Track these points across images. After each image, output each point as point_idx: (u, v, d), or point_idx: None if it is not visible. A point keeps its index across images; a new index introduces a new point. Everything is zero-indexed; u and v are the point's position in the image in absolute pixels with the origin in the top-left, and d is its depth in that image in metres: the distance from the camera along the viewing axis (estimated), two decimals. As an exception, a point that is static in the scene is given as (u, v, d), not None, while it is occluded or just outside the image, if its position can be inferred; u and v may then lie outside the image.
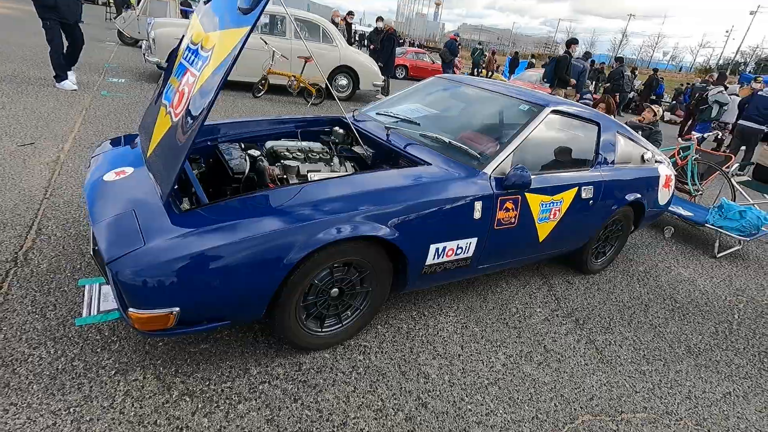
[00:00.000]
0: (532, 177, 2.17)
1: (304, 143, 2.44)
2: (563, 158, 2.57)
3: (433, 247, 1.97)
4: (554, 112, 2.45)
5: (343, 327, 1.95)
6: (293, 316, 1.74)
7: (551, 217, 2.42)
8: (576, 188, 2.50)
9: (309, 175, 2.13)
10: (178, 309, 1.44)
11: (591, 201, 2.61)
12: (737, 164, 4.67)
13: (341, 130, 2.67)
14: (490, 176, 2.13)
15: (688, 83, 20.38)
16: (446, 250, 2.03)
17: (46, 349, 1.67)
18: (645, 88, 15.28)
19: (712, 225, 3.81)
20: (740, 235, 3.68)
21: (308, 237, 1.59)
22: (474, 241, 2.12)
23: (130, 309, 1.40)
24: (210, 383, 1.66)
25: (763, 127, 6.87)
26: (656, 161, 3.20)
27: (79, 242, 2.38)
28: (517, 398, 1.85)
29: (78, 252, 2.30)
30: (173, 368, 1.69)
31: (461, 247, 2.09)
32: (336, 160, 2.35)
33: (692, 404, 2.01)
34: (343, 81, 8.51)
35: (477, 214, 2.06)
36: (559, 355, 2.18)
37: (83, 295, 2.00)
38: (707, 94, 8.92)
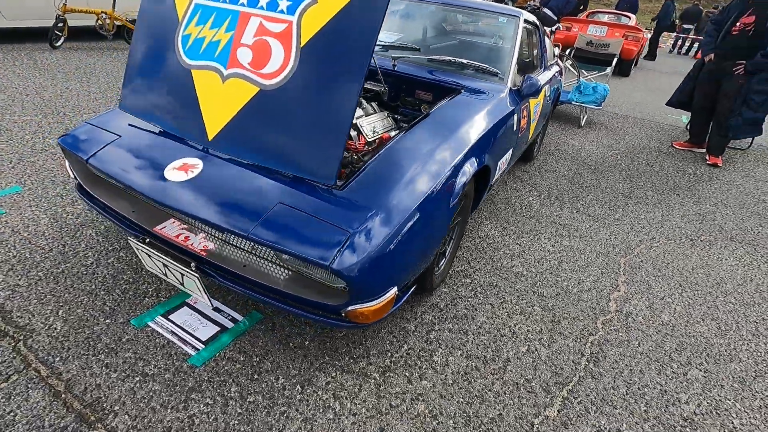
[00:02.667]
0: None
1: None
2: (531, 62, 2.90)
3: (498, 164, 2.14)
4: (524, 20, 2.69)
5: (447, 259, 2.04)
6: (434, 260, 1.75)
7: (536, 117, 2.80)
8: (545, 89, 2.89)
9: (357, 122, 1.96)
10: (395, 287, 1.33)
11: (548, 98, 3.07)
12: (568, 50, 5.84)
13: None
14: (511, 89, 2.32)
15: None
16: (502, 164, 2.23)
17: (200, 405, 1.34)
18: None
19: (576, 102, 4.84)
20: (596, 106, 4.80)
21: (458, 177, 1.58)
22: (511, 151, 2.35)
23: (354, 306, 1.24)
24: (391, 353, 1.61)
25: (557, 24, 8.54)
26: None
27: (64, 281, 1.74)
28: (582, 265, 2.32)
29: (82, 292, 1.69)
30: (346, 357, 1.57)
31: (506, 160, 2.30)
32: (363, 100, 2.18)
33: (655, 228, 2.83)
34: (162, 13, 6.93)
35: (514, 126, 2.27)
36: (572, 227, 2.72)
37: (159, 335, 1.56)
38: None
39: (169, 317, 1.64)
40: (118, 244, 2.01)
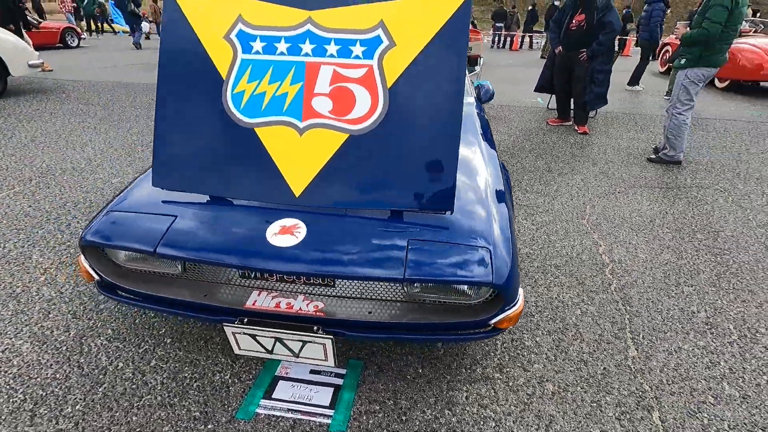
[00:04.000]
0: None
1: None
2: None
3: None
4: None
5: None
6: None
7: (481, 118, 3.17)
8: (478, 93, 3.29)
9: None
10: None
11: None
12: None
13: None
14: (474, 97, 2.62)
15: None
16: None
17: (376, 464, 1.28)
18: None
19: (468, 100, 5.49)
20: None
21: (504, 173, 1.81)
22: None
23: (504, 313, 1.34)
24: (492, 353, 1.73)
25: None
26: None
27: (117, 404, 1.44)
28: (563, 234, 2.73)
29: (151, 407, 1.43)
30: (462, 370, 1.64)
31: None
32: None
33: (585, 191, 3.44)
34: (-21, 73, 5.67)
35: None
36: (533, 205, 3.16)
37: (279, 418, 1.42)
38: None
39: (273, 397, 1.49)
40: (146, 343, 1.71)
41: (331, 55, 1.37)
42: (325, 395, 1.51)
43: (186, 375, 1.57)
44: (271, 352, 1.41)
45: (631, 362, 1.71)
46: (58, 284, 2.05)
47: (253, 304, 1.40)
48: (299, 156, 1.38)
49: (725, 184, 3.63)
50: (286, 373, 1.60)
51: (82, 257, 1.46)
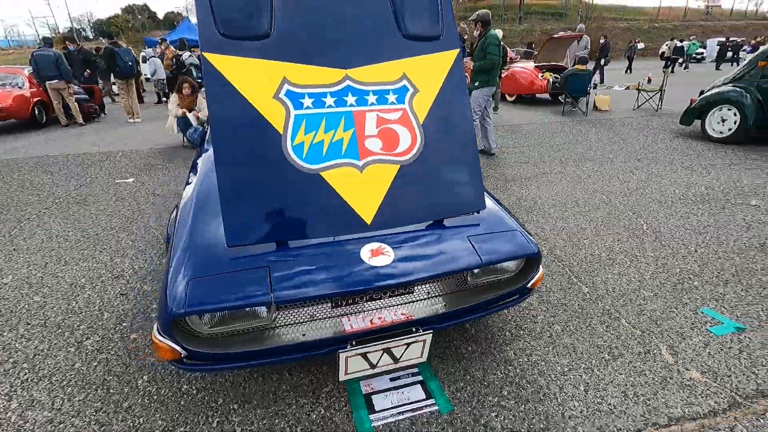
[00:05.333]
0: None
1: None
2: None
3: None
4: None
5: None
6: None
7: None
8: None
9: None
10: (530, 257, 1.94)
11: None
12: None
13: None
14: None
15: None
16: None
17: (498, 420, 1.57)
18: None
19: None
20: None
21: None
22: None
23: (537, 274, 1.80)
24: (507, 320, 2.18)
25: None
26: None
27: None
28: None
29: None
30: (499, 335, 2.04)
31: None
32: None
33: (488, 185, 4.26)
34: None
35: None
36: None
37: (395, 422, 1.57)
38: (185, 59, 10.61)
39: (377, 410, 1.63)
40: (213, 417, 1.62)
41: (372, 104, 1.65)
42: (417, 391, 1.72)
43: (282, 426, 1.57)
44: (375, 366, 1.56)
45: (589, 295, 2.37)
46: (43, 403, 1.70)
47: (352, 328, 1.55)
48: (363, 190, 1.60)
49: (560, 169, 4.93)
50: (372, 389, 1.74)
51: (159, 336, 1.37)
